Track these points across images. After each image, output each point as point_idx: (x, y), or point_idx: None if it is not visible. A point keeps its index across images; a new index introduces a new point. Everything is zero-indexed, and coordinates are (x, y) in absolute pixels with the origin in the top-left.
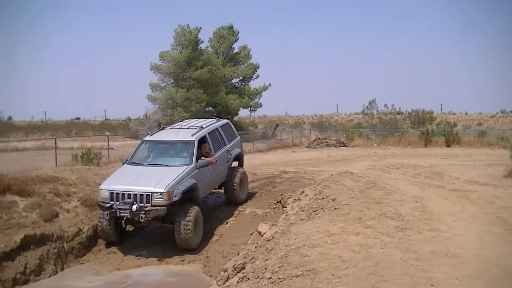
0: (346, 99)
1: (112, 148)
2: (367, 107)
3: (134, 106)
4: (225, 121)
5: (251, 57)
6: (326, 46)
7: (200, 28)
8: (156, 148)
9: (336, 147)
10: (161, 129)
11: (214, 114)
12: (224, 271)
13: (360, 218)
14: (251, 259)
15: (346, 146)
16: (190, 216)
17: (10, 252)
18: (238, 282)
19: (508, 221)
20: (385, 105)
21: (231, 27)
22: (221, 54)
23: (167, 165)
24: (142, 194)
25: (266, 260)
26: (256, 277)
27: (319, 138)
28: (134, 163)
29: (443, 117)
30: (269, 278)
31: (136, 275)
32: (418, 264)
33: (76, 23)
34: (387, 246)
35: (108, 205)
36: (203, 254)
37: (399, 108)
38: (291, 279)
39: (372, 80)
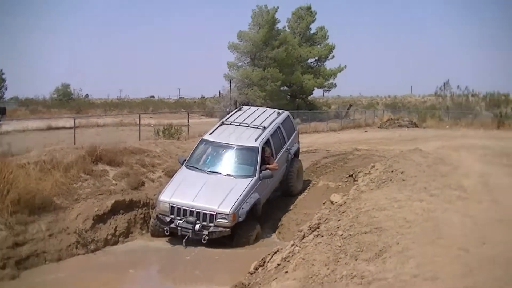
0: (421, 81)
1: (189, 125)
2: (440, 88)
3: (207, 85)
4: (286, 114)
5: (327, 38)
6: (400, 27)
7: (278, 8)
8: (216, 151)
9: (408, 127)
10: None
11: (289, 94)
12: (300, 231)
13: (425, 188)
14: (325, 220)
15: (418, 127)
16: (251, 235)
17: (102, 215)
18: (313, 238)
19: None
20: (458, 86)
21: (309, 8)
22: (298, 34)
23: (230, 175)
24: (206, 213)
25: (338, 220)
26: (330, 234)
27: (391, 119)
28: (194, 167)
29: None
30: (341, 235)
31: None
32: (474, 227)
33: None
34: (447, 211)
35: (168, 219)
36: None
37: (473, 90)
38: (361, 235)
39: (448, 61)
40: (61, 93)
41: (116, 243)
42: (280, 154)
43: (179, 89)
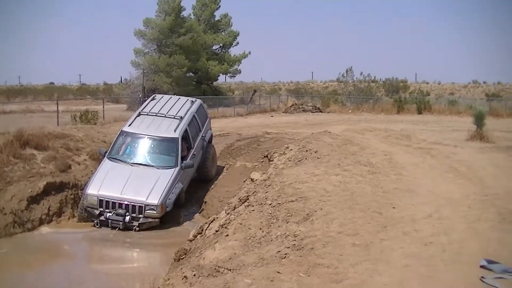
0: (321, 67)
1: (104, 111)
2: (343, 75)
3: (108, 71)
4: (199, 102)
5: (231, 25)
6: (301, 13)
7: None
8: (137, 143)
9: (312, 112)
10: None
11: (195, 80)
12: (230, 203)
13: (338, 164)
14: (253, 193)
15: (322, 112)
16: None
17: (35, 196)
18: (245, 208)
19: (459, 170)
20: (361, 73)
21: None
22: (203, 21)
23: (153, 166)
24: (135, 205)
25: (266, 192)
26: (259, 204)
27: (296, 104)
28: (116, 159)
29: (417, 86)
30: (270, 204)
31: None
32: (384, 195)
33: None
34: (360, 183)
35: (97, 212)
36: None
37: (374, 77)
38: (288, 203)
39: (347, 48)
40: None
41: (50, 222)
42: (197, 142)
43: (80, 75)
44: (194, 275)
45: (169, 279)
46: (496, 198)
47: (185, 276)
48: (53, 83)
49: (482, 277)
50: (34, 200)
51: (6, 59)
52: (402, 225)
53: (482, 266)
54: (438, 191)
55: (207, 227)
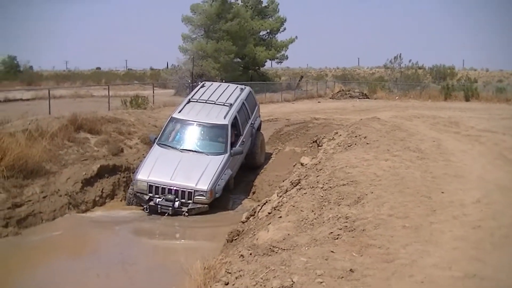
0: (368, 53)
1: (154, 96)
2: (390, 61)
3: (154, 56)
4: (248, 89)
5: (278, 11)
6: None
7: None
8: (187, 129)
9: (359, 98)
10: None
11: (242, 66)
12: (282, 187)
13: (388, 150)
14: (305, 176)
15: (369, 98)
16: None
17: (89, 179)
18: (297, 191)
19: (508, 157)
20: (410, 61)
21: None
22: (250, 7)
23: (203, 152)
24: (184, 191)
25: (317, 176)
26: (311, 187)
27: (342, 90)
28: (166, 145)
29: (464, 73)
30: (322, 187)
31: None
32: (433, 180)
33: None
34: (410, 168)
35: (147, 197)
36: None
37: (422, 64)
38: (339, 187)
39: (394, 34)
40: (8, 65)
41: (103, 204)
42: (246, 129)
43: (126, 60)
44: (250, 254)
45: (226, 257)
46: None
47: (241, 255)
48: (100, 68)
49: None
50: (88, 182)
51: (53, 44)
52: (451, 209)
53: None
54: (487, 177)
55: (260, 209)
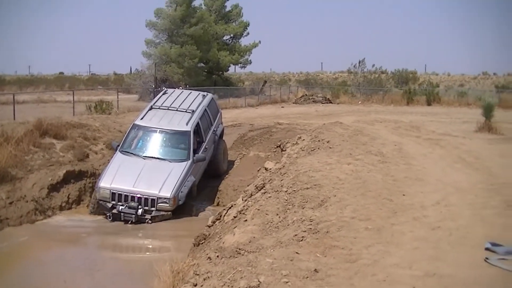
0: (331, 58)
1: (118, 101)
2: (354, 66)
3: (117, 61)
4: (210, 96)
5: (242, 15)
6: (310, 3)
7: None
8: (149, 136)
9: (322, 103)
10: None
11: (205, 70)
12: (246, 191)
13: (350, 154)
14: (269, 180)
15: (332, 103)
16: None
17: (55, 184)
18: (262, 195)
19: (467, 160)
20: (373, 65)
21: None
22: (214, 12)
23: (165, 159)
24: (147, 198)
25: (281, 180)
26: (275, 191)
27: (306, 95)
28: (129, 152)
29: (426, 77)
30: (286, 191)
31: None
32: (394, 183)
33: None
34: (371, 172)
35: (109, 205)
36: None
37: (385, 69)
38: (303, 190)
39: (356, 39)
40: None
41: (69, 209)
42: (209, 135)
43: (90, 65)
44: (217, 256)
45: (193, 259)
46: (502, 187)
47: (209, 257)
48: (63, 73)
49: (486, 258)
50: (54, 188)
51: (15, 49)
52: (412, 211)
53: (486, 248)
54: (446, 180)
55: (225, 213)
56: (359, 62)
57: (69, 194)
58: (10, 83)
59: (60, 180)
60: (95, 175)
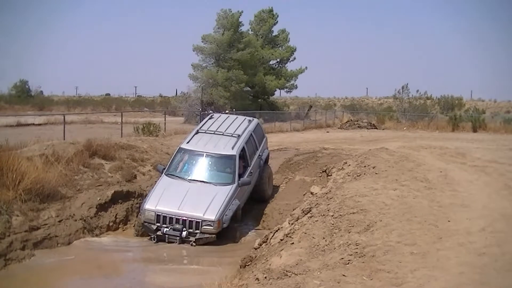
0: (376, 83)
1: (165, 123)
2: (398, 91)
3: (163, 84)
4: (256, 121)
5: (289, 40)
6: (357, 29)
7: (242, 11)
8: (195, 160)
9: (367, 128)
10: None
11: (251, 94)
12: (293, 215)
13: (396, 180)
14: (315, 205)
15: (377, 128)
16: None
17: (103, 204)
18: (308, 219)
19: None
20: (418, 91)
21: (271, 11)
22: (261, 36)
23: (210, 183)
24: (192, 221)
25: (328, 204)
26: (322, 215)
27: (351, 120)
28: (174, 175)
29: (472, 103)
30: (332, 215)
31: None
32: (440, 209)
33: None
34: (417, 197)
35: (154, 227)
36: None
37: (430, 95)
38: (349, 215)
39: (402, 65)
40: (19, 89)
41: (116, 229)
42: (254, 160)
43: (136, 87)
44: (265, 277)
45: (241, 280)
46: None
47: (257, 278)
48: (109, 94)
49: None
50: (102, 207)
51: (64, 70)
52: (457, 237)
53: None
54: (492, 207)
55: (272, 236)
56: (402, 87)
57: (116, 214)
58: (58, 104)
59: (108, 200)
60: (143, 196)
